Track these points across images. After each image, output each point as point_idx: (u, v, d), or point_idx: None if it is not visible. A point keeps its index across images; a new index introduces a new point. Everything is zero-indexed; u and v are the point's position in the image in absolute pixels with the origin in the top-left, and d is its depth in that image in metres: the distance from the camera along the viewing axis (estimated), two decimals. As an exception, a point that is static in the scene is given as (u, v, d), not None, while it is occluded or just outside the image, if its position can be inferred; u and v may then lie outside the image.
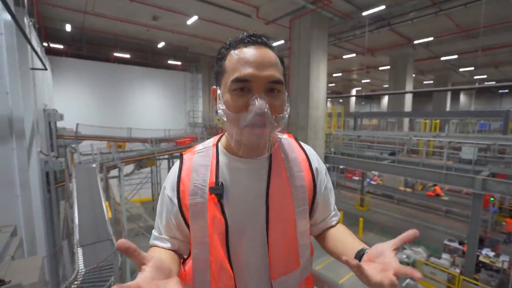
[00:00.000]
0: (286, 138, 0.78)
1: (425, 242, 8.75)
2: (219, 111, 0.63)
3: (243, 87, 0.59)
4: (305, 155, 0.76)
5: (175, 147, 12.01)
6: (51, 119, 8.42)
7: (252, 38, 0.62)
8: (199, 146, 0.76)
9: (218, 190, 0.66)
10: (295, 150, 0.76)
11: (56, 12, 9.76)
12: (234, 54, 0.62)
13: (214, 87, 0.68)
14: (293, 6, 8.45)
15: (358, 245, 0.65)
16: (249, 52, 0.60)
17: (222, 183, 0.67)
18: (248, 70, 0.59)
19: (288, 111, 0.65)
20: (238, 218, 0.66)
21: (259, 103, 0.57)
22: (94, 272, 3.11)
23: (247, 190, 0.68)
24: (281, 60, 0.66)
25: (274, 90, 0.61)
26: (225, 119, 0.62)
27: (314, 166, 0.76)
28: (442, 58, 14.37)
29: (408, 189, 13.16)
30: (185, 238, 0.72)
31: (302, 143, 0.80)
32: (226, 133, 0.72)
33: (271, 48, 0.64)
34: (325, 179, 0.78)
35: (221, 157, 0.71)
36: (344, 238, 0.72)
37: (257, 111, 0.57)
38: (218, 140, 0.75)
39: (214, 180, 0.67)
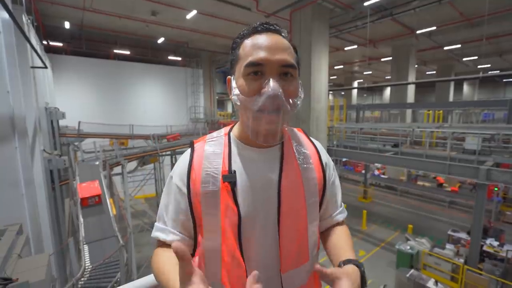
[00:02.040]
0: (296, 131, 0.79)
1: (429, 233, 8.79)
2: (233, 97, 0.63)
3: (257, 71, 0.60)
4: (315, 149, 0.77)
5: (178, 143, 12.03)
6: (53, 117, 8.44)
7: (264, 25, 0.64)
8: (211, 135, 0.75)
9: (231, 178, 0.65)
10: (305, 143, 0.77)
11: (54, 9, 9.69)
12: (248, 41, 0.63)
13: (229, 77, 0.68)
14: (293, -2, 8.32)
15: (345, 255, 0.67)
16: (262, 38, 0.62)
17: (235, 171, 0.66)
18: (260, 54, 0.60)
19: (302, 96, 0.65)
20: (250, 207, 0.65)
21: (272, 85, 0.58)
22: (100, 268, 3.14)
23: (260, 179, 0.67)
24: (295, 49, 0.67)
25: (287, 74, 0.62)
26: (238, 103, 0.62)
27: (324, 160, 0.77)
28: (445, 48, 14.15)
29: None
30: (189, 233, 0.70)
31: (311, 138, 0.81)
32: (239, 122, 0.72)
33: (284, 36, 0.65)
34: (333, 174, 0.79)
35: (233, 146, 0.70)
36: (340, 248, 0.73)
37: (270, 93, 0.57)
38: (230, 130, 0.74)
39: (227, 168, 0.66)
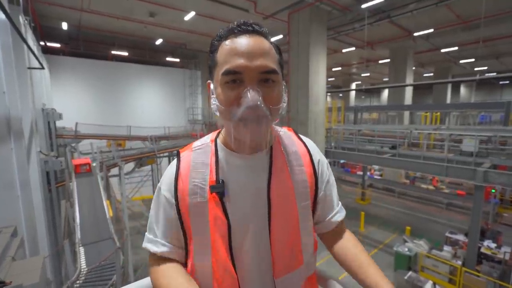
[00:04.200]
0: (285, 132, 0.76)
1: (427, 235, 8.79)
2: (212, 105, 0.60)
3: (235, 79, 0.56)
4: (305, 149, 0.74)
5: (176, 145, 12.00)
6: (50, 118, 8.39)
7: (242, 27, 0.59)
8: (197, 143, 0.72)
9: (219, 189, 0.63)
10: (296, 143, 0.74)
11: (52, 10, 9.66)
12: (225, 45, 0.58)
13: (209, 81, 0.64)
14: (292, 0, 8.35)
15: (375, 271, 0.69)
16: (239, 41, 0.57)
17: (223, 181, 0.64)
18: (238, 61, 0.55)
19: (286, 101, 0.62)
20: (240, 217, 0.63)
21: (251, 95, 0.54)
22: (96, 271, 3.11)
23: (248, 187, 0.65)
24: (278, 48, 0.63)
25: (268, 80, 0.58)
26: (217, 113, 0.59)
27: (315, 159, 0.74)
28: (443, 50, 14.25)
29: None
30: (180, 244, 0.68)
31: (302, 136, 0.77)
32: (224, 129, 0.69)
33: (264, 35, 0.60)
34: (327, 173, 0.76)
35: (220, 154, 0.67)
36: (356, 256, 0.75)
37: (249, 104, 0.54)
38: (217, 136, 0.71)
39: (215, 178, 0.64)
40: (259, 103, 0.54)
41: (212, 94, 0.61)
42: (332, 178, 0.77)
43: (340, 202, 0.80)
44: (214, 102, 0.60)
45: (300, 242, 0.68)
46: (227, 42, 0.58)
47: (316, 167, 0.73)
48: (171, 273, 0.65)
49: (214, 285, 0.64)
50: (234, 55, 0.56)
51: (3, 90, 3.54)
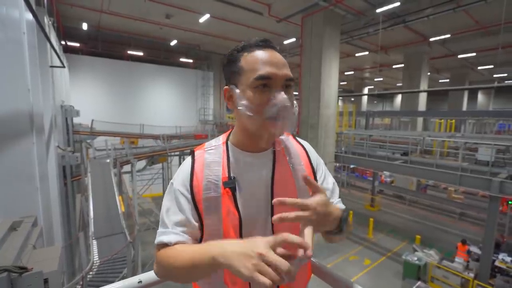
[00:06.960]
0: (285, 136, 0.82)
1: (438, 245, 8.56)
2: (240, 107, 0.67)
3: (265, 83, 0.65)
4: (304, 150, 0.82)
5: (187, 144, 12.17)
6: (68, 115, 8.69)
7: (266, 42, 0.70)
8: (210, 143, 0.79)
9: (231, 184, 0.70)
10: (294, 145, 0.82)
11: (73, 11, 10.05)
12: (251, 55, 0.68)
13: (226, 87, 0.72)
14: (306, 4, 8.38)
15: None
16: (266, 54, 0.67)
17: (234, 177, 0.71)
18: (269, 69, 0.65)
19: (296, 105, 0.73)
20: (249, 210, 0.70)
21: (283, 97, 0.64)
22: (108, 263, 3.22)
23: (256, 181, 0.72)
24: None
25: (288, 86, 0.68)
26: (248, 113, 0.66)
27: (313, 160, 0.82)
28: (460, 56, 13.91)
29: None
30: (194, 235, 0.71)
31: (299, 139, 0.86)
32: (235, 130, 0.77)
33: (279, 52, 0.72)
34: (324, 172, 0.83)
35: (231, 153, 0.75)
36: None
37: (281, 104, 0.64)
38: (227, 138, 0.79)
39: (227, 175, 0.71)
40: (289, 104, 0.64)
41: (238, 97, 0.68)
42: (330, 177, 0.85)
43: (340, 200, 0.85)
44: (244, 103, 0.66)
45: (298, 233, 0.72)
46: (253, 53, 0.68)
47: (314, 167, 0.81)
48: (189, 246, 0.67)
49: (226, 270, 0.68)
50: (263, 63, 0.66)
51: (28, 87, 3.72)
